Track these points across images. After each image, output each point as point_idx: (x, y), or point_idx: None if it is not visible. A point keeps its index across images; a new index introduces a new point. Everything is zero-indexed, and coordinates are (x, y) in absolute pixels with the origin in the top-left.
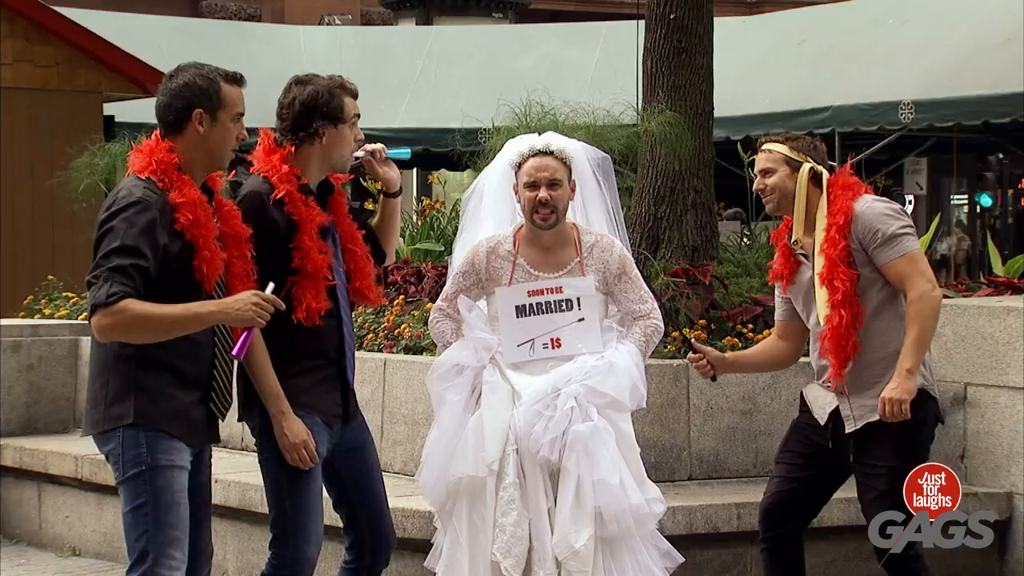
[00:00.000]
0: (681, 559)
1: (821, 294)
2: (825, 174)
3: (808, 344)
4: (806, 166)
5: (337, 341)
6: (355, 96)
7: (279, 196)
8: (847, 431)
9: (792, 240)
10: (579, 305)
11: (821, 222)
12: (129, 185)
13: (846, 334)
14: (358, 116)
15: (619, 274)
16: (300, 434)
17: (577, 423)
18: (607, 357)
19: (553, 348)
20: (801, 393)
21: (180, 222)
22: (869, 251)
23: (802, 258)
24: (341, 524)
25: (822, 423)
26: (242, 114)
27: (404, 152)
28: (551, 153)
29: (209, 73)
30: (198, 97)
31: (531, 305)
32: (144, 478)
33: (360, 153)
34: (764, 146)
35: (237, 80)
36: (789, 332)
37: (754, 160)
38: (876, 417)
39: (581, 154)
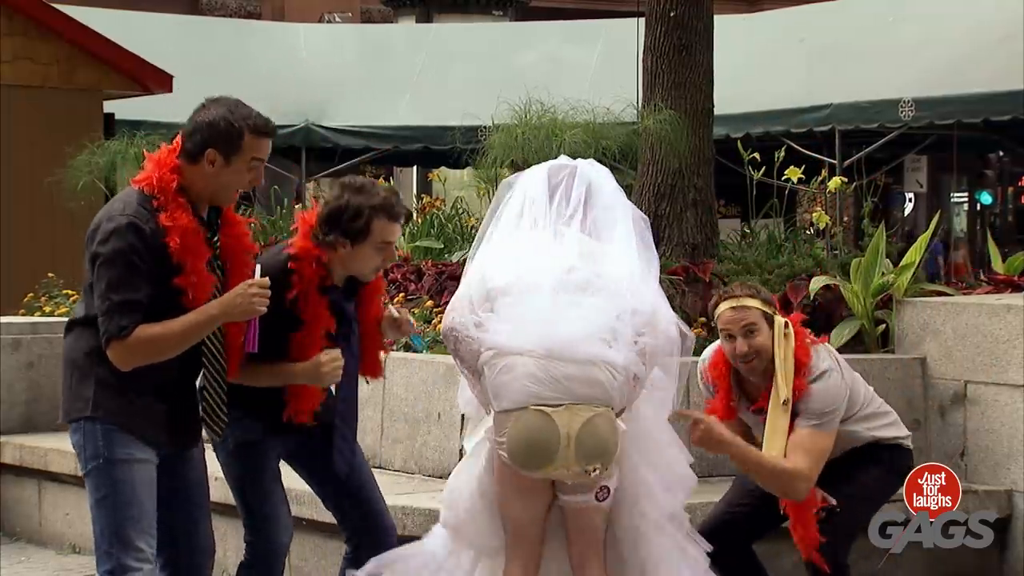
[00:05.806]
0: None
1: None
2: (790, 325)
3: None
4: (779, 319)
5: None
6: (398, 219)
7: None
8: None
9: (783, 401)
10: None
11: (788, 378)
12: (124, 200)
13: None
14: (387, 242)
15: None
16: (320, 363)
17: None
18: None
19: None
20: None
21: (170, 246)
22: (798, 408)
23: (744, 409)
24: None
25: None
26: (260, 160)
27: (419, 345)
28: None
29: (238, 119)
30: (215, 139)
31: None
32: (103, 471)
33: (393, 310)
34: (734, 303)
35: (267, 132)
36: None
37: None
38: None
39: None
